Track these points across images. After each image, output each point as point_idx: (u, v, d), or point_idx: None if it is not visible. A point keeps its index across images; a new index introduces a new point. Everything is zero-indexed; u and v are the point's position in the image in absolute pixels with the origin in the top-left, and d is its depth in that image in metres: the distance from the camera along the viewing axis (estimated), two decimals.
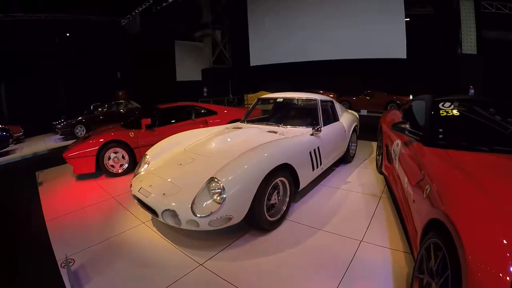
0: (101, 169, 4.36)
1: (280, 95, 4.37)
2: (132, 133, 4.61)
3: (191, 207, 2.22)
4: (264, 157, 2.54)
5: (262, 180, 2.40)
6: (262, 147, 2.72)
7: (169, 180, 2.62)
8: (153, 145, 4.66)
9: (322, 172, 3.64)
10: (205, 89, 15.02)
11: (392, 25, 9.68)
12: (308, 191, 3.52)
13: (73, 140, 6.50)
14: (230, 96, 14.57)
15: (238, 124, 4.12)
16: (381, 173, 3.97)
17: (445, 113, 2.45)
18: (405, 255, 2.19)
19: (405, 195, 2.37)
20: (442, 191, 1.60)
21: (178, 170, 2.76)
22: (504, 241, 1.12)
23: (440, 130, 2.32)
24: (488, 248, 1.14)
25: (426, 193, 1.76)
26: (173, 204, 2.31)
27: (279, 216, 2.74)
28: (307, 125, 3.65)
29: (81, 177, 4.47)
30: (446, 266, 1.33)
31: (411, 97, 12.63)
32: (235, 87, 14.98)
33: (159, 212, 2.35)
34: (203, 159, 2.87)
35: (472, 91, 7.91)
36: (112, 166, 4.41)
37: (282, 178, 2.71)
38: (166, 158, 3.13)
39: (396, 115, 3.85)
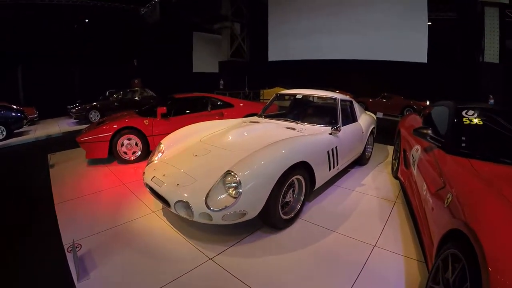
0: (113, 155, 4.43)
1: (300, 92, 4.31)
2: (147, 121, 4.67)
3: (205, 200, 2.21)
4: (282, 154, 2.52)
5: (280, 177, 2.38)
6: (281, 143, 2.70)
7: (183, 170, 2.60)
8: (167, 134, 4.77)
9: (337, 173, 3.61)
10: (221, 82, 15.06)
11: (414, 29, 9.44)
12: (322, 191, 3.51)
13: (87, 125, 6.64)
14: (246, 90, 14.56)
15: (255, 118, 4.11)
16: (396, 178, 3.92)
17: (468, 122, 2.39)
18: (418, 263, 2.16)
19: (422, 202, 2.33)
20: (465, 201, 1.56)
21: (193, 161, 2.74)
22: None
23: (463, 138, 2.27)
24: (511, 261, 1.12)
25: (447, 202, 1.73)
26: (187, 195, 2.30)
27: (292, 214, 2.73)
28: (325, 124, 3.61)
29: (93, 162, 4.55)
30: (464, 278, 1.31)
31: (428, 102, 12.37)
32: (251, 82, 14.95)
33: (171, 202, 2.35)
34: (219, 151, 2.85)
35: (492, 100, 7.64)
36: (125, 153, 4.48)
37: (298, 176, 2.69)
38: (181, 148, 3.13)
39: (415, 119, 3.78)
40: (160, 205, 3.01)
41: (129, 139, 4.50)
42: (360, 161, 4.53)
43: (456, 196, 1.67)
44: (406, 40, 9.66)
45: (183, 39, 16.97)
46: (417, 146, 2.86)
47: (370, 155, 4.93)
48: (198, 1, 14.02)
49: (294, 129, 3.45)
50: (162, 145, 3.21)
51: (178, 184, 2.43)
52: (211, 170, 2.50)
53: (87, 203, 3.21)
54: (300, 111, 4.43)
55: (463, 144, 2.22)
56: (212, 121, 3.99)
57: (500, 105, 7.56)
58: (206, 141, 3.19)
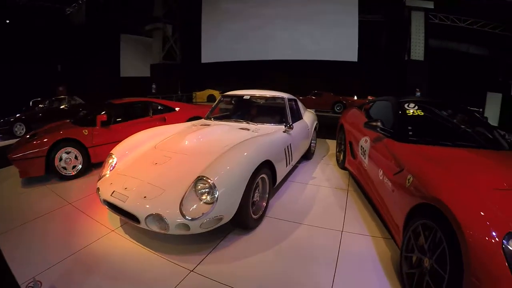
0: (51, 172, 3.77)
1: (247, 92, 4.28)
2: (86, 130, 4.10)
3: (180, 209, 2.06)
4: (250, 154, 2.50)
5: (250, 177, 2.37)
6: (246, 144, 2.68)
7: (147, 181, 2.38)
8: (109, 144, 4.30)
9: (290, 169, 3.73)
10: (153, 86, 14.17)
11: (345, 29, 10.57)
12: (279, 187, 3.57)
13: (15, 140, 5.50)
14: (179, 93, 14.00)
15: (203, 121, 3.96)
16: (343, 168, 4.27)
17: (411, 113, 2.78)
18: (385, 240, 2.40)
19: (378, 186, 2.61)
20: (426, 180, 1.80)
21: (155, 170, 2.52)
22: (482, 213, 1.41)
23: (409, 127, 2.62)
24: (477, 219, 1.39)
25: (408, 183, 1.97)
26: (158, 207, 2.10)
27: (260, 212, 2.73)
28: (276, 123, 3.69)
29: (29, 181, 3.79)
30: (440, 241, 1.52)
31: (355, 97, 13.85)
32: (184, 84, 14.43)
33: (141, 217, 2.12)
34: (180, 157, 2.68)
35: (419, 93, 9.08)
36: (64, 168, 3.83)
37: (263, 175, 2.70)
38: (136, 157, 2.85)
39: (357, 114, 4.19)
40: (118, 222, 2.68)
41: (67, 152, 3.87)
42: (307, 155, 4.77)
43: (417, 177, 1.91)
44: (337, 41, 10.73)
45: (110, 42, 15.49)
46: (366, 138, 3.19)
47: (314, 150, 5.26)
48: (129, 1, 12.97)
49: (248, 129, 3.41)
50: (113, 156, 2.87)
51: (145, 197, 2.21)
52: (177, 177, 2.35)
53: (33, 231, 2.63)
54: (248, 111, 4.38)
55: (410, 133, 2.56)
56: (160, 126, 3.72)
57: (426, 97, 9.03)
58: (161, 147, 2.97)
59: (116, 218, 2.75)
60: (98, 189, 2.54)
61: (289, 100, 4.13)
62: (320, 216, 2.86)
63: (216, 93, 13.90)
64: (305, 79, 12.04)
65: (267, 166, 2.74)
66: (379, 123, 2.75)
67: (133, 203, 2.21)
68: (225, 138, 3.04)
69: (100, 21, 13.64)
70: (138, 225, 2.21)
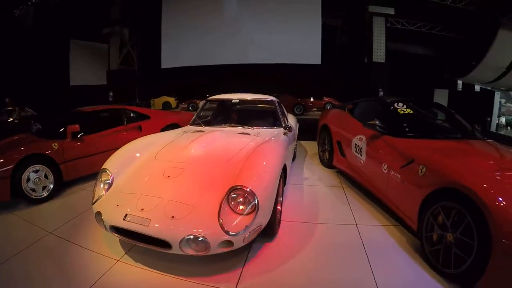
0: (18, 196, 3.34)
1: (233, 96, 4.37)
2: (56, 144, 3.76)
3: (221, 225, 1.97)
4: (276, 159, 2.59)
5: (278, 182, 2.45)
6: (268, 149, 2.75)
7: (168, 198, 2.20)
8: (84, 157, 4.06)
9: None
10: (110, 94, 13.30)
11: (309, 33, 11.38)
12: None
13: None
14: (137, 101, 13.37)
15: (193, 127, 3.85)
16: (330, 167, 4.69)
17: (402, 111, 3.28)
18: (395, 227, 2.76)
19: (382, 179, 3.01)
20: (442, 168, 2.21)
21: (172, 185, 2.35)
22: (498, 189, 1.84)
23: (405, 124, 3.10)
24: (495, 194, 1.80)
25: (421, 172, 2.37)
26: (196, 227, 1.97)
27: (278, 216, 2.77)
28: (270, 126, 3.77)
29: None
30: (462, 217, 1.92)
31: (312, 99, 14.83)
32: (143, 92, 13.85)
33: (174, 242, 1.95)
34: (194, 168, 2.54)
35: (381, 93, 10.23)
36: (33, 190, 3.46)
37: (280, 178, 2.74)
38: (137, 171, 2.64)
39: (340, 115, 4.64)
40: (121, 248, 2.45)
41: (36, 171, 3.51)
42: (293, 157, 5.09)
43: (430, 167, 2.33)
44: (301, 44, 11.48)
45: (58, 48, 14.27)
46: (360, 136, 3.60)
47: (296, 151, 5.64)
48: (83, 4, 11.96)
49: (248, 134, 3.42)
50: (108, 171, 2.61)
51: (173, 217, 2.04)
52: (202, 190, 2.25)
53: (14, 274, 2.20)
54: (239, 115, 4.36)
55: (407, 129, 3.04)
56: (149, 136, 3.55)
57: (409, 97, 10.21)
58: (164, 158, 2.82)
59: (117, 244, 2.50)
60: (98, 213, 2.27)
61: (278, 102, 4.33)
62: (329, 214, 3.11)
63: (171, 100, 13.60)
64: (266, 82, 12.50)
65: (283, 169, 2.79)
66: (377, 122, 3.19)
67: (159, 226, 2.01)
68: (231, 144, 3.01)
69: (49, 25, 12.41)
70: (166, 251, 2.03)
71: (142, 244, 2.11)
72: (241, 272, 2.15)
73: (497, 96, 13.73)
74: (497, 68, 12.34)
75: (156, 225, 2.02)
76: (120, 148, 3.09)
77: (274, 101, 4.24)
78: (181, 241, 1.94)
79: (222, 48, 12.78)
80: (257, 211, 2.06)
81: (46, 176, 3.62)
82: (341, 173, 4.45)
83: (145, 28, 14.37)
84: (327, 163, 4.79)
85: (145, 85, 14.19)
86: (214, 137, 3.20)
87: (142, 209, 2.13)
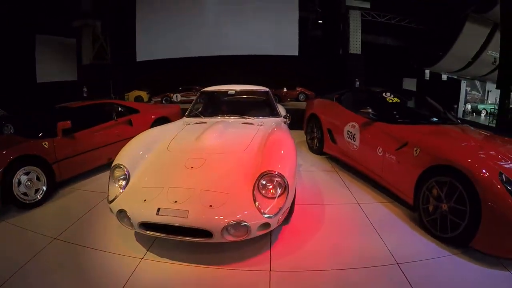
0: (8, 202, 3.13)
1: (228, 88, 4.46)
2: (46, 142, 3.65)
3: (259, 209, 2.11)
4: (292, 145, 2.77)
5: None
6: (282, 136, 2.94)
7: (200, 188, 2.26)
8: (76, 155, 3.99)
9: None
10: (84, 89, 12.68)
11: (286, 25, 11.65)
12: None
13: None
14: (112, 95, 12.81)
15: (193, 119, 3.84)
16: (320, 153, 5.06)
17: (390, 100, 3.69)
18: (392, 203, 3.17)
19: (377, 161, 3.36)
20: (434, 149, 2.62)
21: (199, 175, 2.40)
22: (483, 164, 2.28)
23: (394, 112, 3.53)
24: (481, 168, 2.22)
25: (416, 153, 2.78)
26: (237, 213, 2.07)
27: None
28: (268, 115, 3.89)
29: None
30: (454, 189, 2.32)
31: (285, 89, 15.26)
32: (117, 86, 13.29)
33: (217, 230, 2.03)
34: (215, 157, 2.63)
35: (358, 82, 10.88)
36: (25, 194, 3.29)
37: None
38: (153, 164, 2.65)
39: (330, 104, 4.95)
40: (140, 246, 2.43)
41: (27, 173, 3.40)
42: None
43: (424, 148, 2.72)
44: (279, 36, 11.73)
45: (24, 43, 13.25)
46: (353, 123, 3.96)
47: None
48: None
49: (252, 123, 3.52)
50: (122, 167, 2.56)
51: (211, 206, 2.12)
52: (232, 178, 2.38)
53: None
54: (236, 106, 4.39)
55: (397, 116, 3.45)
56: (152, 129, 3.59)
57: (363, 85, 10.91)
58: (178, 150, 2.84)
59: (134, 242, 2.48)
60: (121, 211, 2.23)
61: (270, 93, 4.48)
62: (332, 196, 3.43)
63: (143, 94, 13.25)
64: (243, 73, 12.62)
65: None
66: (370, 110, 3.57)
67: (199, 216, 2.07)
68: (242, 134, 3.13)
69: (12, 20, 11.37)
70: (206, 241, 2.11)
71: (176, 238, 2.15)
72: (270, 254, 2.33)
73: (464, 85, 15.25)
74: (463, 58, 13.72)
75: (196, 215, 2.06)
76: (128, 144, 3.03)
77: (268, 91, 4.42)
78: (223, 228, 2.02)
79: (199, 40, 12.62)
80: (288, 193, 2.24)
81: (38, 178, 3.51)
82: (331, 158, 4.84)
83: (119, 20, 13.71)
84: (317, 150, 5.16)
85: (120, 79, 13.65)
86: (223, 128, 3.24)
87: (176, 201, 2.15)
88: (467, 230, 2.23)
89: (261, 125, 3.46)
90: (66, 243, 2.55)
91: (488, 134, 3.30)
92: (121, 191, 2.43)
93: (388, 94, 3.77)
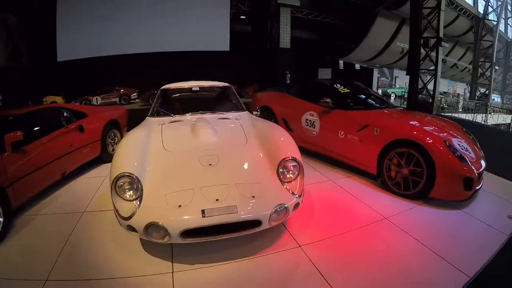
0: None
1: (191, 84, 4.36)
2: None
3: (291, 192, 2.32)
4: (285, 132, 3.08)
5: None
6: (270, 125, 3.30)
7: (234, 182, 2.29)
8: (30, 173, 3.23)
9: None
10: None
11: (217, 20, 11.47)
12: None
13: None
14: (29, 102, 10.33)
15: (165, 118, 3.56)
16: None
17: (342, 91, 4.36)
18: (357, 176, 3.80)
19: (339, 143, 3.93)
20: (390, 127, 3.33)
21: (222, 170, 2.42)
22: (431, 135, 3.03)
23: (349, 100, 4.21)
24: (430, 139, 2.96)
25: (377, 132, 3.45)
26: (278, 199, 2.22)
27: None
28: (235, 110, 3.89)
29: None
30: (411, 156, 3.04)
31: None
32: (35, 90, 10.77)
33: (265, 217, 2.12)
34: (226, 152, 2.66)
35: (289, 75, 11.58)
36: None
37: None
38: (161, 168, 2.45)
39: (281, 96, 5.36)
40: (161, 261, 2.22)
41: None
42: None
43: (381, 128, 3.40)
44: (210, 31, 11.48)
45: None
46: (311, 112, 4.48)
47: None
48: None
49: (228, 118, 3.54)
50: (132, 175, 2.27)
51: (254, 196, 2.19)
52: (253, 170, 2.50)
53: None
54: (202, 102, 4.32)
55: (351, 103, 4.13)
56: (131, 132, 3.15)
57: (294, 79, 11.69)
58: (178, 150, 2.71)
59: (151, 259, 2.25)
60: (151, 225, 2.01)
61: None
62: (306, 177, 3.86)
63: (58, 99, 11.19)
64: (174, 71, 12.01)
65: None
66: (329, 100, 4.15)
67: (248, 208, 2.11)
68: (230, 129, 3.23)
69: None
70: (254, 231, 2.16)
71: (218, 237, 2.11)
72: (290, 233, 2.56)
73: (375, 72, 17.85)
74: (373, 49, 16.12)
75: (245, 208, 2.10)
76: (119, 150, 2.72)
77: (230, 86, 4.46)
78: (270, 215, 2.12)
79: (124, 36, 11.41)
80: (303, 173, 2.50)
81: None
82: None
83: (37, 15, 11.07)
84: None
85: (38, 83, 11.21)
86: (209, 124, 3.15)
87: (217, 200, 2.12)
88: (426, 185, 2.97)
89: (238, 119, 3.49)
90: (65, 282, 2.03)
91: (422, 114, 4.22)
92: (137, 203, 2.15)
93: (338, 85, 4.43)
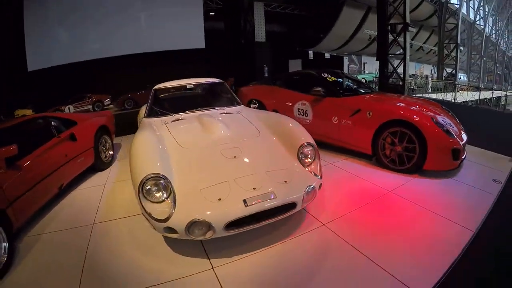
0: None
1: (185, 82, 4.35)
2: None
3: (314, 174, 2.49)
4: (292, 119, 3.23)
5: None
6: (274, 115, 3.46)
7: (264, 171, 2.39)
8: (28, 190, 3.02)
9: None
10: None
11: (191, 18, 11.20)
12: None
13: None
14: (1, 117, 9.35)
15: (165, 118, 3.53)
16: None
17: (330, 79, 4.56)
18: (353, 158, 4.03)
19: (333, 128, 4.13)
20: (382, 110, 3.55)
21: (249, 161, 2.53)
22: (419, 114, 3.31)
23: (338, 88, 4.41)
24: (418, 117, 3.22)
25: (369, 116, 3.68)
26: (306, 181, 2.36)
27: None
28: (233, 104, 3.94)
29: None
30: (404, 134, 3.31)
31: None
32: (3, 102, 9.75)
33: (299, 199, 2.26)
34: (245, 143, 2.77)
35: (266, 68, 11.66)
36: None
37: None
38: (188, 164, 2.46)
39: (270, 88, 5.46)
40: (196, 259, 2.23)
41: None
42: None
43: (373, 111, 3.63)
44: (184, 30, 11.19)
45: None
46: (302, 101, 4.66)
47: None
48: None
49: (230, 113, 3.59)
50: (160, 174, 2.22)
51: (286, 181, 2.31)
52: (274, 158, 2.61)
53: None
54: (200, 99, 4.32)
55: (341, 91, 4.34)
56: (140, 134, 2.98)
57: (270, 71, 11.85)
58: (195, 146, 2.73)
59: (184, 260, 2.24)
60: (193, 223, 2.01)
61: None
62: None
63: (28, 112, 10.34)
64: (149, 73, 11.59)
65: None
66: (320, 89, 4.33)
67: (284, 192, 2.21)
68: (239, 122, 3.29)
69: None
70: (289, 214, 2.27)
71: (258, 225, 2.16)
72: (311, 214, 2.72)
73: (345, 60, 18.24)
74: (341, 37, 16.50)
75: (282, 193, 2.19)
76: (136, 153, 2.58)
77: (223, 82, 4.48)
78: (303, 196, 2.25)
79: (99, 41, 10.81)
80: (319, 156, 2.68)
81: None
82: None
83: (2, 20, 9.97)
84: None
85: (7, 95, 10.20)
86: (216, 119, 3.22)
87: (254, 188, 2.18)
88: (419, 159, 3.25)
89: (239, 112, 3.58)
90: None
91: (402, 96, 4.58)
92: (171, 203, 2.11)
93: (326, 74, 4.63)
